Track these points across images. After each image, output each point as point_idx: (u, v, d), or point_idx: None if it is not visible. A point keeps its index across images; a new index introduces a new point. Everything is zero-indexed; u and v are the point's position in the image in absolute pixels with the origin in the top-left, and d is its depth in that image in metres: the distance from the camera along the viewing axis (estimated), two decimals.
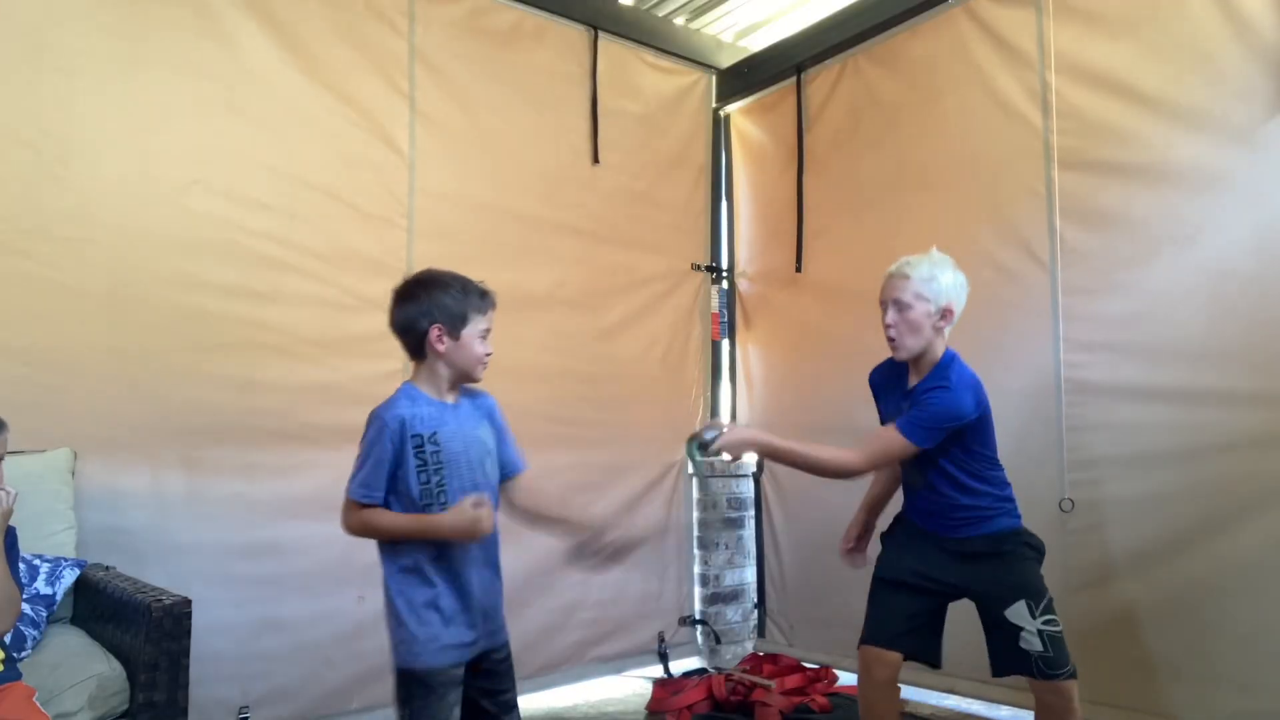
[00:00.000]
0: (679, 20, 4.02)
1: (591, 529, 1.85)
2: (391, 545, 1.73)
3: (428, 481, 1.71)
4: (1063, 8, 2.90)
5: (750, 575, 4.04)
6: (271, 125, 2.87)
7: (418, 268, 3.08)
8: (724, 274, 4.17)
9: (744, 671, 3.32)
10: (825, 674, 3.36)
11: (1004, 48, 3.07)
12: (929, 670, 2.25)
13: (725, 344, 4.17)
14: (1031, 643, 2.01)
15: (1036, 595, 2.04)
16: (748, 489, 4.06)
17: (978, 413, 2.04)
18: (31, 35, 2.49)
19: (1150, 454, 2.62)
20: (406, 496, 1.71)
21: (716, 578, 3.95)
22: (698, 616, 3.90)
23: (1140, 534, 2.63)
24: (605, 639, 3.56)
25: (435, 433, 1.73)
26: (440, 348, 1.75)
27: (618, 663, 3.62)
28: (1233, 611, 2.43)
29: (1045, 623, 2.02)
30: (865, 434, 2.09)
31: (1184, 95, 2.60)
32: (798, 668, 3.39)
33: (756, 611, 4.00)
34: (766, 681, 3.15)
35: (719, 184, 4.20)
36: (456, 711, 1.71)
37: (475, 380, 1.82)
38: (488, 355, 1.80)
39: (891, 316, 2.10)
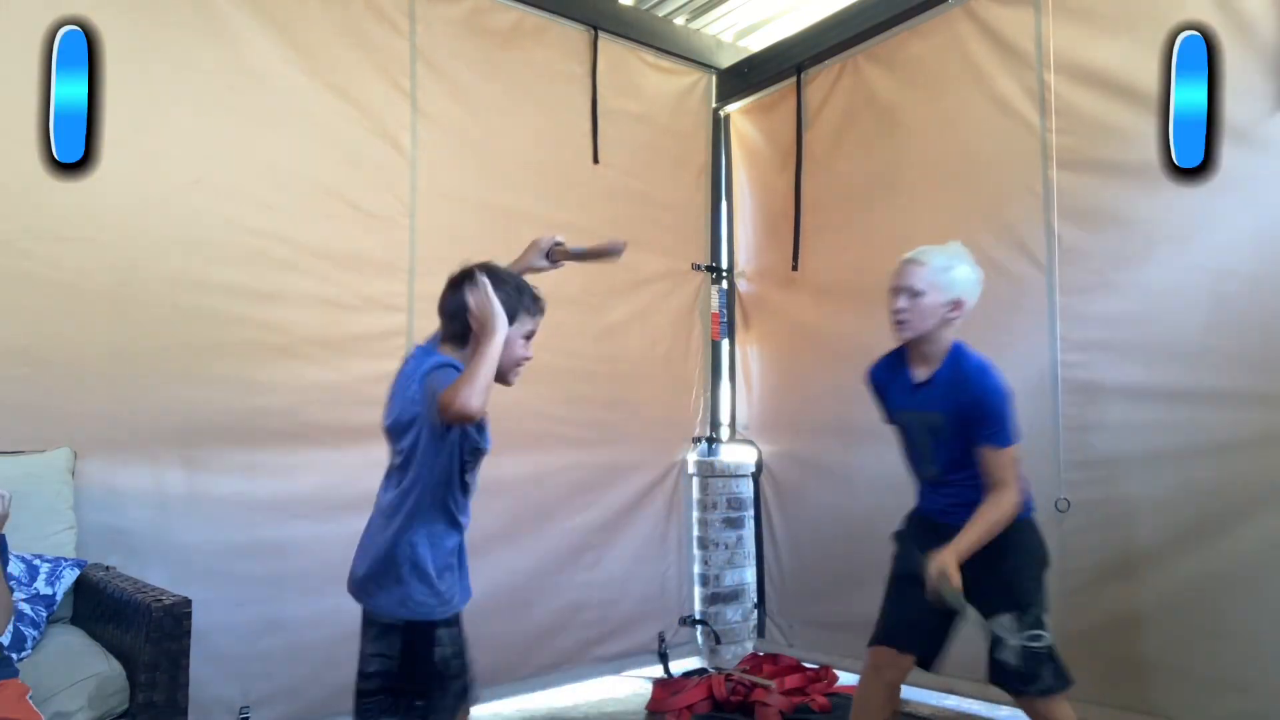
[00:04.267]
0: (679, 20, 4.02)
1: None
2: (437, 497, 1.72)
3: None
4: (1061, 7, 2.90)
5: (750, 575, 4.04)
6: (273, 124, 2.87)
7: (420, 267, 3.15)
8: (724, 274, 4.18)
9: (744, 671, 3.32)
10: (825, 674, 3.36)
11: (1002, 47, 3.08)
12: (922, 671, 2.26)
13: (725, 344, 4.17)
14: (1008, 657, 2.00)
15: (1025, 607, 2.01)
16: (747, 489, 4.05)
17: None
18: (33, 35, 2.49)
19: (1148, 454, 2.62)
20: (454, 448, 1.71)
21: (716, 578, 3.95)
22: (698, 616, 3.90)
23: (1138, 534, 2.63)
24: (606, 639, 3.56)
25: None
26: None
27: (618, 663, 3.61)
28: (1231, 612, 2.43)
29: (1029, 638, 2.00)
30: (995, 468, 2.03)
31: None
32: (798, 668, 3.39)
33: (756, 611, 3.99)
34: (766, 681, 3.15)
35: (719, 184, 4.21)
36: None
37: (507, 384, 1.81)
38: (526, 359, 1.82)
39: (903, 302, 2.10)
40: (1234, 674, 2.41)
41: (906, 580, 2.15)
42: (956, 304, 2.09)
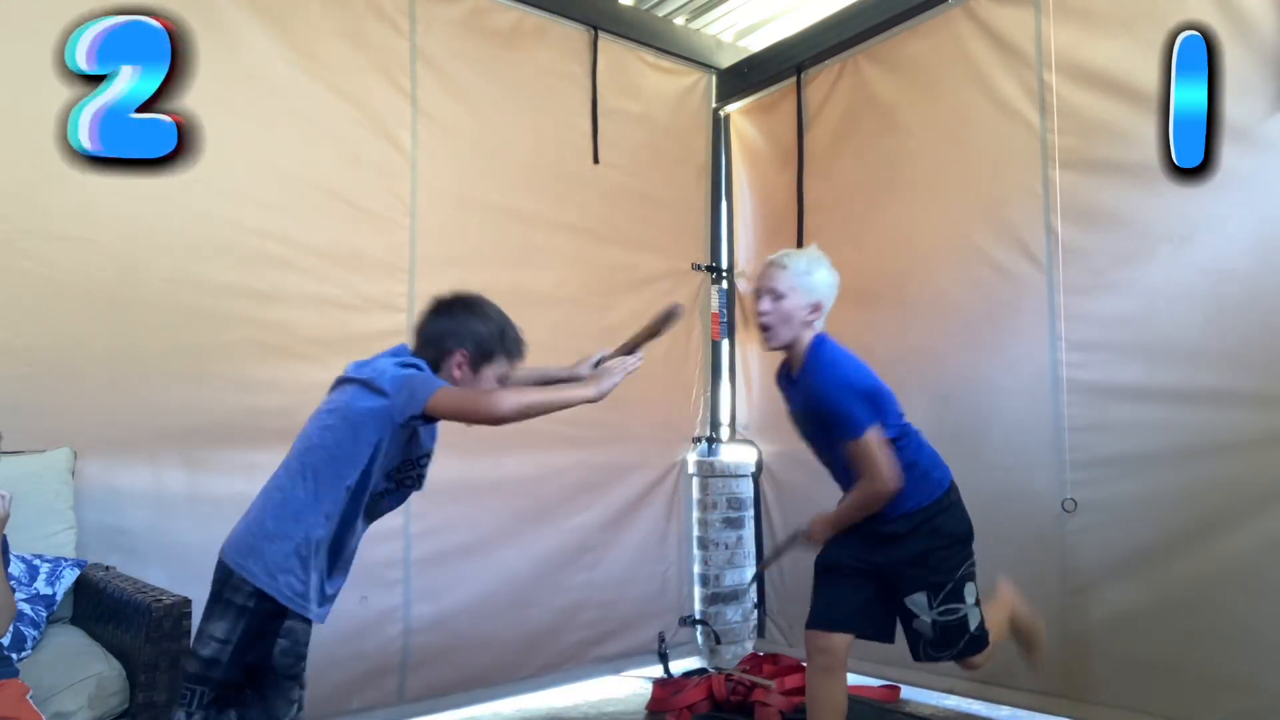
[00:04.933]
0: (679, 20, 4.02)
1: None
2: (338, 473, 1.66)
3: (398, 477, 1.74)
4: (1061, 7, 2.90)
5: (750, 575, 4.04)
6: (273, 124, 2.87)
7: (420, 267, 3.15)
8: (724, 274, 4.18)
9: (744, 671, 3.32)
10: None
11: (1002, 47, 3.07)
12: (920, 668, 2.29)
13: (725, 344, 4.18)
14: (923, 628, 2.14)
15: (937, 586, 2.12)
16: (747, 489, 4.05)
17: (870, 381, 2.13)
18: (33, 35, 2.49)
19: (1151, 454, 2.62)
20: (365, 471, 1.66)
21: (716, 578, 3.95)
22: (698, 616, 3.90)
23: (1141, 534, 2.63)
24: (606, 639, 3.56)
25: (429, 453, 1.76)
26: (457, 374, 1.71)
27: (618, 663, 3.62)
28: (1233, 611, 2.43)
29: (943, 612, 2.12)
30: (854, 460, 2.13)
31: None
32: (798, 668, 3.38)
33: (756, 611, 3.99)
34: (766, 681, 3.15)
35: (719, 184, 4.21)
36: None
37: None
38: None
39: (766, 304, 2.19)
40: (1234, 674, 2.41)
41: (830, 568, 2.29)
42: (816, 307, 2.17)
